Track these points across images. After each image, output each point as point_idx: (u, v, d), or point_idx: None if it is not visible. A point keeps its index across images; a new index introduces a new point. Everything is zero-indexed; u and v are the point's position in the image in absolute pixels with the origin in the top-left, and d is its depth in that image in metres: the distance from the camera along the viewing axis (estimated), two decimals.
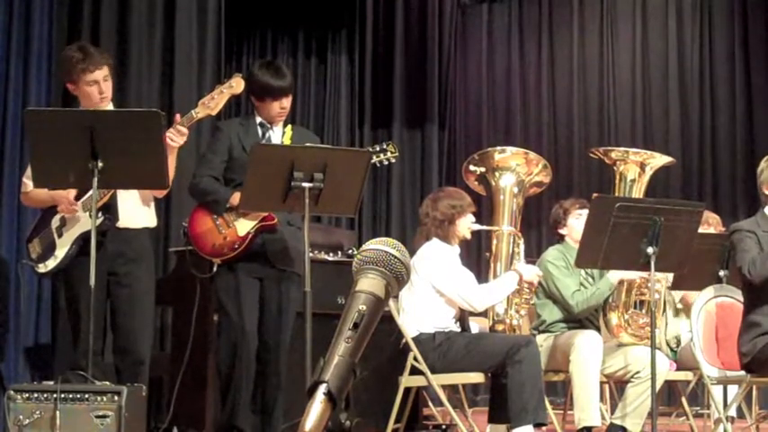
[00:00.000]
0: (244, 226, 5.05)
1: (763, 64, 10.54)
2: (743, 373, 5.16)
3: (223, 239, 5.05)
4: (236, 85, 4.97)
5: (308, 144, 5.08)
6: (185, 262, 5.87)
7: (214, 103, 4.91)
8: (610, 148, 6.57)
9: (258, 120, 5.24)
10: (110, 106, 4.96)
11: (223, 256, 5.07)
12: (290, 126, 5.33)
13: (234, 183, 5.12)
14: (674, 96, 10.79)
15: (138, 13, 7.39)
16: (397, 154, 5.31)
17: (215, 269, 5.15)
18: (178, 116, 4.88)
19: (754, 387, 6.41)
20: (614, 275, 5.87)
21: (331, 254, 6.59)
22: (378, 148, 5.29)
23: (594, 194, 5.29)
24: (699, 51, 10.77)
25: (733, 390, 6.01)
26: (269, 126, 5.24)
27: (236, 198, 4.95)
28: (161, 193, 5.07)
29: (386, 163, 5.32)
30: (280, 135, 5.26)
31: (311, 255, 4.85)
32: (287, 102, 5.20)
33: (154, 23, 7.50)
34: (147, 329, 5.04)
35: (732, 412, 6.51)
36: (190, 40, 7.64)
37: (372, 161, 5.14)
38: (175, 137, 4.80)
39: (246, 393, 5.11)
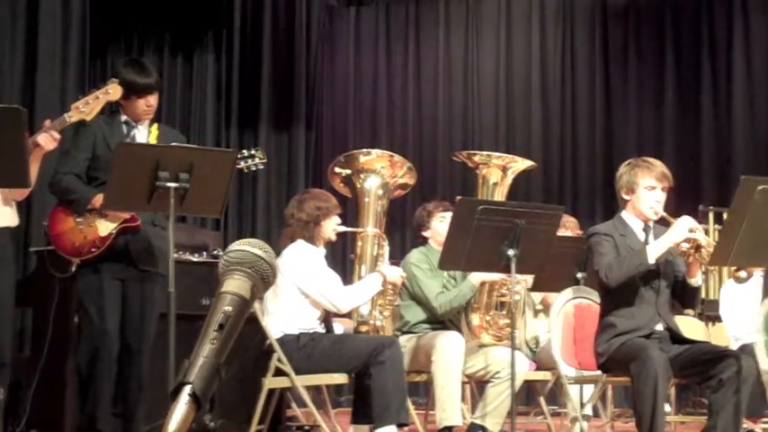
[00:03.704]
0: (105, 226, 4.97)
1: (622, 71, 10.85)
2: (599, 372, 5.28)
3: (83, 239, 4.96)
4: (113, 91, 4.87)
5: (173, 143, 5.04)
6: (45, 262, 5.75)
7: (89, 108, 4.80)
8: (473, 151, 6.67)
9: (123, 118, 5.17)
10: None
11: (83, 256, 4.98)
12: (156, 125, 5.27)
13: (97, 182, 5.03)
14: (536, 102, 11.02)
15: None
16: (265, 160, 5.30)
17: (73, 269, 5.06)
18: (48, 121, 4.76)
19: (609, 386, 6.58)
20: (476, 277, 5.96)
21: (196, 254, 6.54)
22: (246, 154, 5.27)
23: (458, 197, 5.36)
24: (561, 58, 11.03)
25: (589, 389, 6.16)
26: (134, 124, 5.17)
27: (98, 200, 4.87)
28: (22, 195, 4.92)
29: (254, 169, 5.30)
30: (145, 134, 5.19)
31: (176, 255, 4.81)
32: (153, 99, 5.14)
33: (16, 20, 7.32)
34: (7, 331, 4.92)
35: (588, 411, 6.68)
36: (53, 38, 7.48)
37: (240, 167, 5.12)
38: (48, 142, 4.68)
39: (107, 396, 5.04)
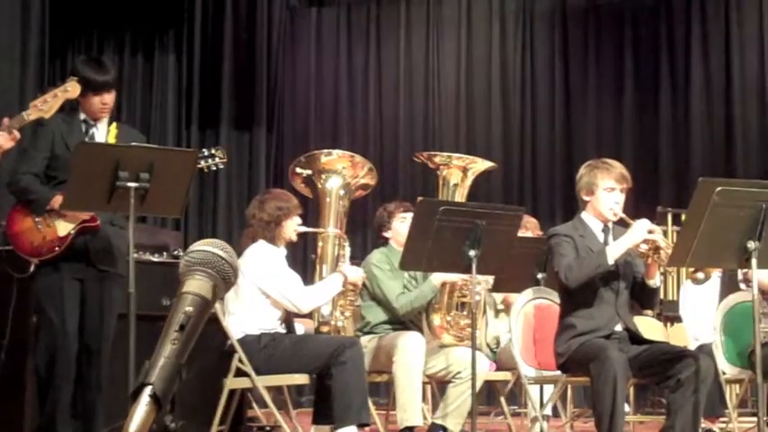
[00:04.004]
0: (64, 226, 4.93)
1: (582, 72, 10.93)
2: (559, 372, 5.31)
3: (42, 239, 4.93)
4: (72, 89, 4.83)
5: (134, 143, 5.01)
6: (3, 262, 5.70)
7: (47, 106, 4.75)
8: (434, 152, 6.69)
9: (82, 116, 5.13)
10: None
11: (42, 256, 4.94)
12: (114, 124, 5.23)
13: (56, 181, 4.99)
14: (496, 103, 11.07)
15: None
16: (225, 160, 5.28)
17: (32, 269, 5.02)
18: (6, 120, 4.72)
19: (569, 386, 6.62)
20: (437, 278, 5.97)
21: (156, 255, 6.51)
22: (206, 153, 5.24)
23: (419, 198, 5.37)
24: (521, 59, 11.08)
25: (549, 389, 6.19)
26: (93, 123, 5.13)
27: (57, 200, 4.83)
28: None
29: (214, 169, 5.28)
30: (104, 133, 5.16)
31: (136, 255, 4.79)
32: (108, 97, 5.09)
33: None
34: None
35: (548, 411, 6.71)
36: (12, 38, 7.42)
37: (200, 166, 5.10)
38: (6, 141, 4.64)
39: (66, 397, 5.00)
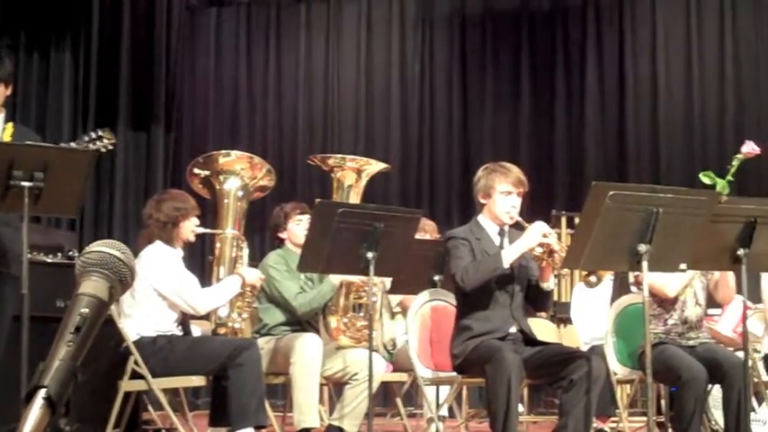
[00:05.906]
0: None
1: (479, 77, 11.05)
2: (454, 374, 5.36)
3: None
4: None
5: (28, 142, 4.93)
6: None
7: None
8: (327, 155, 6.72)
9: None
10: None
11: None
12: (10, 123, 5.14)
13: None
14: (395, 106, 11.13)
15: None
16: (114, 141, 5.20)
17: None
18: None
19: (465, 387, 6.69)
20: (335, 277, 5.99)
21: (51, 255, 6.42)
22: (93, 136, 5.16)
23: (317, 200, 5.38)
24: (419, 63, 11.16)
25: (445, 390, 6.25)
26: None
27: None
28: None
29: (103, 150, 5.19)
30: None
31: (29, 256, 4.71)
32: None
33: None
34: None
35: (444, 412, 6.77)
36: None
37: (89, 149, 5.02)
38: None
39: None
